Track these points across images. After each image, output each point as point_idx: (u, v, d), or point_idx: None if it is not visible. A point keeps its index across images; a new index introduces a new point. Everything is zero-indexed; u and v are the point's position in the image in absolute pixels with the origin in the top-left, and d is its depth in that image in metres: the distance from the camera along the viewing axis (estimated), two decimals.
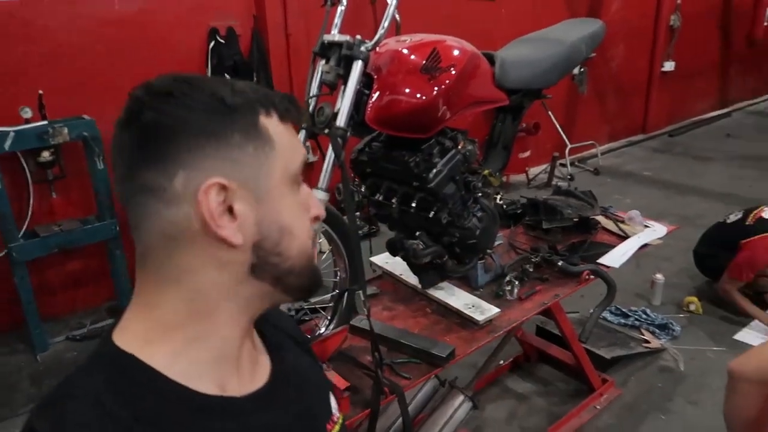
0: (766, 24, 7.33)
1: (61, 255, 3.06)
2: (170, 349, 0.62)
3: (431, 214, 1.70)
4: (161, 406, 0.60)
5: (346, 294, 1.59)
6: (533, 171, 5.25)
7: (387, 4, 1.63)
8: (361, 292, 1.45)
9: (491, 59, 1.83)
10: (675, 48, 6.37)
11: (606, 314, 3.08)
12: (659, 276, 3.23)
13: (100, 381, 0.59)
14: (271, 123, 0.64)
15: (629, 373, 2.73)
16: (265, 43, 3.57)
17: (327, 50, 1.56)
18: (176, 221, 0.60)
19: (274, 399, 0.70)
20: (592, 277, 2.09)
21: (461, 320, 1.87)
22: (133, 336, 0.63)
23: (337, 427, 0.79)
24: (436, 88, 1.58)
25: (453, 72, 1.61)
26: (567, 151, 5.23)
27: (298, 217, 0.66)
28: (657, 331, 2.97)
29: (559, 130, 5.17)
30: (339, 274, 1.69)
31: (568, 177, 5.13)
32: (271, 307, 0.70)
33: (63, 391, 0.60)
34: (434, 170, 1.64)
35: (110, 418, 0.57)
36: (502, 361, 2.75)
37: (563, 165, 5.23)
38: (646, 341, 2.89)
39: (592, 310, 2.14)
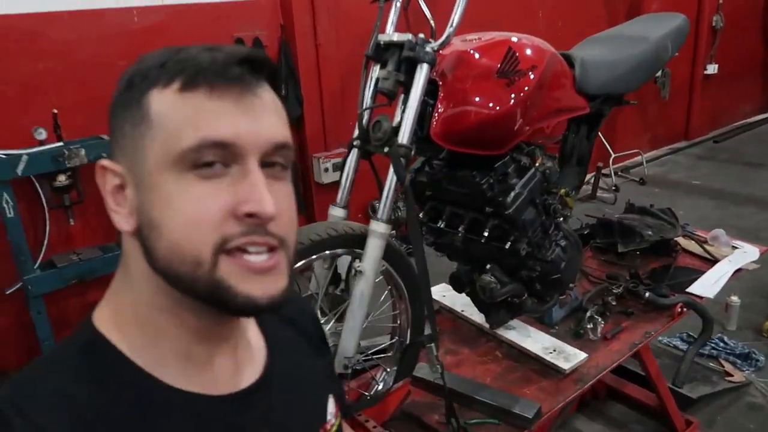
0: None
1: (81, 285, 2.84)
2: (135, 337, 0.59)
3: (507, 245, 1.42)
4: (124, 399, 0.56)
5: (412, 346, 1.33)
6: None
7: (421, 7, 1.38)
8: (433, 346, 1.18)
9: (569, 60, 1.56)
10: (717, 50, 6.03)
11: (677, 342, 2.77)
12: (734, 298, 2.90)
13: (70, 370, 0.57)
14: (160, 96, 0.55)
15: (714, 412, 2.40)
16: (293, 53, 3.34)
17: (383, 52, 1.30)
18: None
19: (251, 403, 0.64)
20: (685, 310, 1.80)
21: (540, 367, 1.59)
22: (107, 316, 0.61)
23: None
24: (513, 96, 1.32)
25: (532, 76, 1.34)
26: (611, 160, 4.92)
27: (174, 210, 0.54)
28: (738, 361, 2.65)
29: (602, 138, 4.86)
30: (399, 318, 1.43)
31: (613, 188, 4.81)
32: (208, 313, 0.59)
33: (31, 374, 0.57)
34: (512, 193, 1.37)
35: (70, 414, 0.54)
36: None
37: (606, 175, 4.92)
38: (729, 374, 2.56)
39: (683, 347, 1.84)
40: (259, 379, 0.66)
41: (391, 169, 1.26)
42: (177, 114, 0.54)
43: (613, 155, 4.93)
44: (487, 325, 1.70)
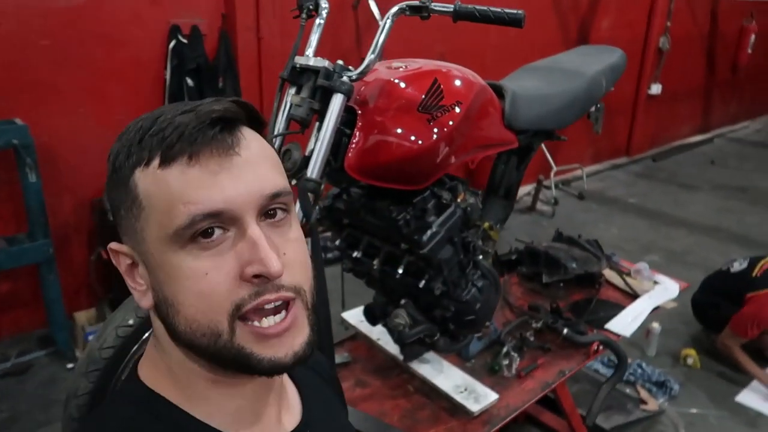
0: (749, 51, 7.23)
1: None
2: (181, 394, 0.59)
3: (422, 283, 1.37)
4: None
5: None
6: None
7: (372, 11, 1.30)
8: None
9: (499, 92, 1.51)
10: (662, 71, 6.19)
11: (598, 365, 2.81)
12: (655, 325, 2.96)
13: (125, 421, 0.57)
14: (144, 175, 0.54)
15: None
16: (234, 45, 3.20)
17: (299, 76, 1.21)
18: None
19: None
20: (601, 348, 1.80)
21: (450, 405, 1.55)
22: (152, 375, 0.60)
23: None
24: (436, 131, 1.26)
25: (458, 111, 1.28)
26: (552, 173, 4.97)
27: (183, 286, 0.54)
28: (654, 389, 2.70)
29: (545, 151, 4.91)
30: None
31: (553, 201, 4.87)
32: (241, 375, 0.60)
33: None
34: (429, 231, 1.31)
35: None
36: None
37: (547, 188, 4.97)
38: (643, 401, 2.61)
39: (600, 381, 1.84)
40: (300, 424, 0.67)
41: (297, 202, 1.18)
42: (163, 191, 0.53)
43: (555, 168, 4.99)
44: (401, 357, 1.64)
